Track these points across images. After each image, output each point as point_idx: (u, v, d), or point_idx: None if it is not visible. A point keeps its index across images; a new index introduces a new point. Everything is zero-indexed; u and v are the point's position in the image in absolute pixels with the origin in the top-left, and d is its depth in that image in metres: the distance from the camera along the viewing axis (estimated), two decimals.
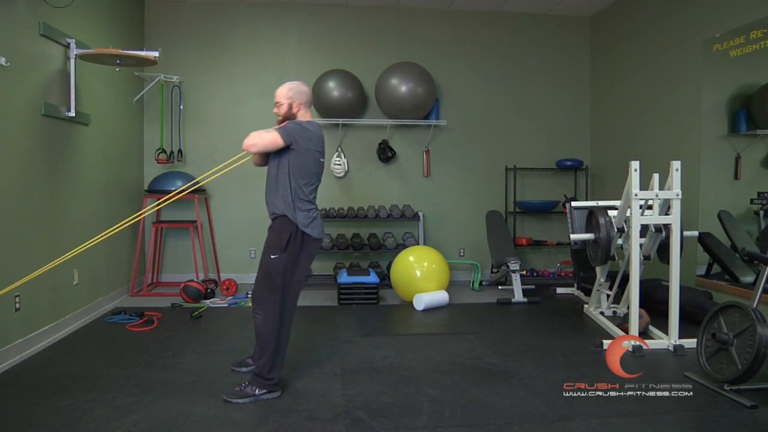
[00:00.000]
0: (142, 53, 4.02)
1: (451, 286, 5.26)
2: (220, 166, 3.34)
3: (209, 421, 2.56)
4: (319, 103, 5.66)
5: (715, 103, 4.51)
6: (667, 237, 3.66)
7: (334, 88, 5.55)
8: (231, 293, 5.26)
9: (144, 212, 3.69)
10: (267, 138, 2.81)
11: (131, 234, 5.34)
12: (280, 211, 2.85)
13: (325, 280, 5.79)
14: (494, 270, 5.78)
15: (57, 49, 3.90)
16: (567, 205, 4.73)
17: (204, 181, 3.34)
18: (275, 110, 2.98)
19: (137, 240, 5.43)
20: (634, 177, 3.61)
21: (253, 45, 5.91)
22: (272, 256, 2.83)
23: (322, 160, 2.97)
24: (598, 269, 4.37)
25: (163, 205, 3.84)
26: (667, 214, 3.68)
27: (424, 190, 6.15)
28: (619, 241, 4.01)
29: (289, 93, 2.94)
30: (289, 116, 2.95)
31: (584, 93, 6.39)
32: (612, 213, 3.98)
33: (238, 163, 3.25)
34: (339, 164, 5.93)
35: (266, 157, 2.98)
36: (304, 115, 2.97)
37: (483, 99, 6.22)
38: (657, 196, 3.64)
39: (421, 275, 4.88)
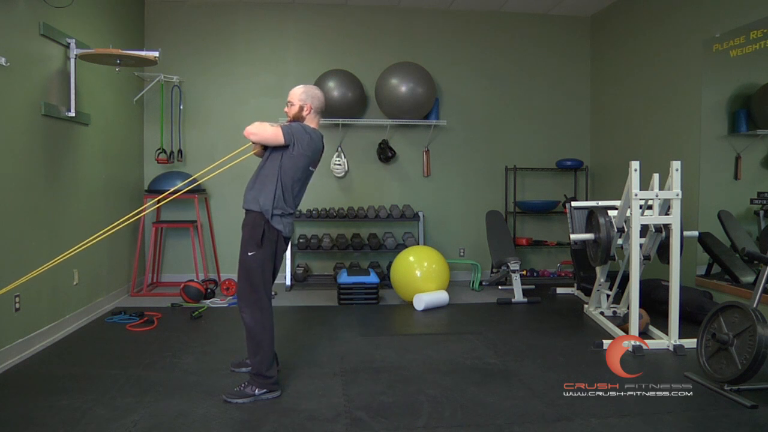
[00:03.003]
0: (142, 53, 4.02)
1: (451, 286, 5.26)
2: (224, 158, 3.34)
3: (209, 421, 2.56)
4: None
5: (715, 103, 4.51)
6: (667, 237, 3.66)
7: (334, 88, 5.55)
8: (231, 293, 5.26)
9: (143, 210, 3.68)
10: (269, 131, 2.81)
11: (131, 234, 5.34)
12: (256, 207, 2.86)
13: (325, 280, 5.79)
14: (494, 270, 5.78)
15: (57, 49, 3.90)
16: (567, 205, 4.73)
17: (207, 177, 3.33)
18: (286, 109, 3.01)
19: (137, 240, 5.43)
20: (634, 177, 3.61)
21: (253, 45, 5.91)
22: (249, 253, 2.85)
23: (312, 169, 2.98)
24: (598, 269, 4.37)
25: (161, 204, 3.85)
26: (667, 214, 3.68)
27: (424, 190, 6.15)
28: (619, 241, 4.01)
29: (303, 95, 2.97)
30: (298, 118, 2.97)
31: (584, 93, 6.39)
32: (612, 213, 3.98)
33: (240, 159, 3.24)
34: (339, 164, 5.93)
35: (264, 148, 2.98)
36: (311, 121, 3.00)
37: (483, 99, 6.22)
38: (657, 196, 3.64)
39: (421, 275, 4.88)
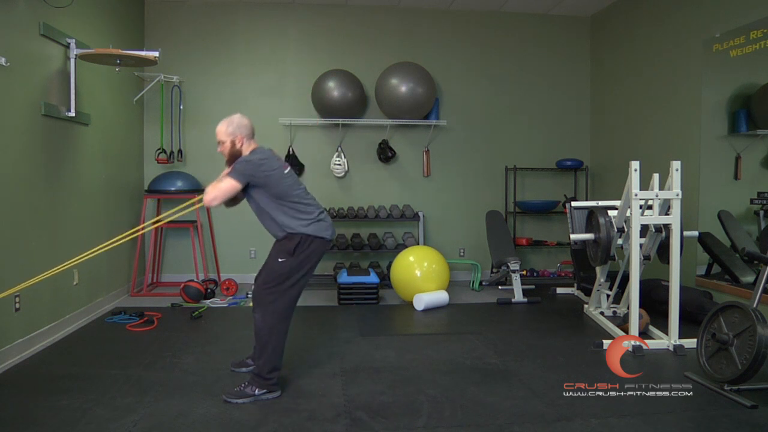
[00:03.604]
0: (142, 53, 4.02)
1: (451, 286, 5.26)
2: (178, 207, 3.43)
3: (209, 421, 2.56)
4: (319, 103, 5.66)
5: (715, 103, 4.51)
6: (667, 237, 3.66)
7: (334, 88, 5.55)
8: (231, 293, 5.26)
9: (153, 223, 3.68)
10: (224, 188, 2.81)
11: None
12: (285, 233, 2.88)
13: (325, 280, 5.79)
14: (494, 270, 5.78)
15: (57, 49, 3.90)
16: (567, 205, 4.72)
17: (164, 221, 3.45)
18: (219, 149, 2.96)
19: (137, 240, 5.42)
20: (634, 177, 3.61)
21: (253, 45, 5.91)
22: (279, 260, 2.85)
23: (286, 171, 2.93)
24: (598, 269, 4.37)
25: (161, 223, 3.88)
26: (667, 214, 3.68)
27: (424, 190, 6.15)
28: (619, 241, 4.01)
29: (229, 129, 2.91)
30: (234, 153, 2.91)
31: (584, 93, 6.39)
32: (612, 213, 3.98)
33: (194, 207, 3.31)
34: (339, 164, 5.92)
35: (233, 200, 2.97)
36: (248, 147, 2.93)
37: (483, 99, 6.22)
38: (657, 196, 3.64)
39: (421, 275, 4.88)
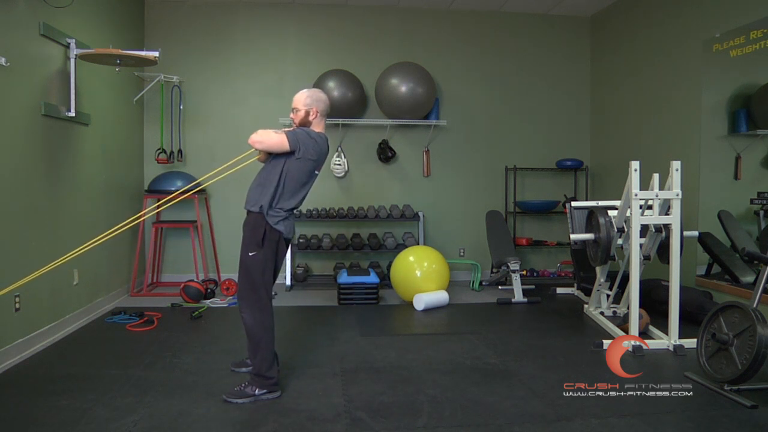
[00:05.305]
0: (142, 53, 4.02)
1: (451, 286, 5.26)
2: (228, 164, 3.35)
3: (209, 421, 2.56)
4: None
5: (715, 103, 4.51)
6: (667, 237, 3.66)
7: (334, 88, 5.55)
8: (231, 293, 5.26)
9: (145, 213, 3.69)
10: (274, 138, 2.80)
11: (131, 234, 5.33)
12: (256, 208, 2.85)
13: (325, 280, 5.79)
14: (494, 270, 5.78)
15: (57, 49, 3.90)
16: (567, 205, 4.73)
17: (210, 182, 3.37)
18: (292, 116, 2.99)
19: (137, 240, 5.42)
20: (634, 177, 3.61)
21: (253, 45, 5.91)
22: (250, 254, 2.85)
23: (317, 172, 2.98)
24: (598, 269, 4.37)
25: (164, 207, 3.88)
26: (667, 214, 3.68)
27: (424, 190, 6.15)
28: (619, 241, 4.01)
29: (307, 100, 2.95)
30: (305, 123, 2.95)
31: (584, 93, 6.39)
32: (612, 213, 3.98)
33: (244, 163, 3.23)
34: (339, 164, 5.93)
35: (268, 153, 2.96)
36: (318, 125, 2.99)
37: (483, 99, 6.22)
38: (657, 196, 3.64)
39: (421, 275, 4.88)
